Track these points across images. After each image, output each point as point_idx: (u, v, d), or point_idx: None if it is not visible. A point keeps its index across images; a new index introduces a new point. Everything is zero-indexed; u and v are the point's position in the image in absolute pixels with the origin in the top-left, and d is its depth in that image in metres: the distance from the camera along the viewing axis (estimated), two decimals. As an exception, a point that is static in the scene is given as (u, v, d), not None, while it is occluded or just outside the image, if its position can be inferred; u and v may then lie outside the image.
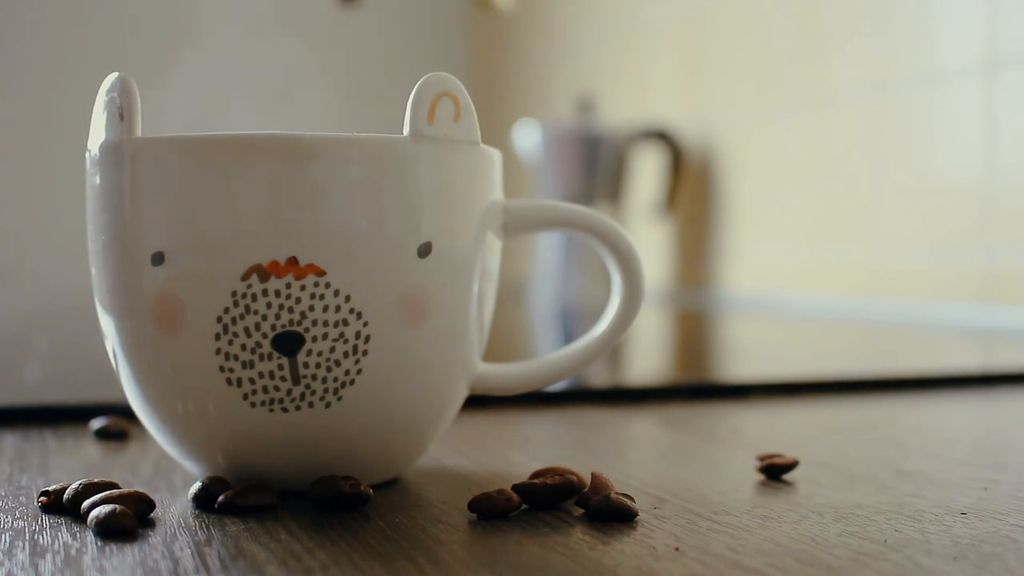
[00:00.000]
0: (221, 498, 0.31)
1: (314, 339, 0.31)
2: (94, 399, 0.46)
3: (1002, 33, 0.92)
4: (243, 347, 0.31)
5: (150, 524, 0.29)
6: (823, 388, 0.55)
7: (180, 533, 0.29)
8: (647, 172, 1.48)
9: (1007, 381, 0.59)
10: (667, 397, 0.53)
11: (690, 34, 1.40)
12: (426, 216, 0.32)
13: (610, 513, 0.30)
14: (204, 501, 0.31)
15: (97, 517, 0.28)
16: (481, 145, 0.33)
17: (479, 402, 0.46)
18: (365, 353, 0.32)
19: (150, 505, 0.30)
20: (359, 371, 0.32)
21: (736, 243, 1.25)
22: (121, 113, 0.32)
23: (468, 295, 0.34)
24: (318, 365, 0.31)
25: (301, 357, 0.31)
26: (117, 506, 0.29)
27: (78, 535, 0.28)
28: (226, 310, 0.31)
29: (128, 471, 0.36)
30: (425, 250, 0.32)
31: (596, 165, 1.39)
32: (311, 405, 0.32)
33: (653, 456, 0.41)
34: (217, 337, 0.31)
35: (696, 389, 0.55)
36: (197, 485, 0.32)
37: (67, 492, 0.31)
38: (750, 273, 1.25)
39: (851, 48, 1.11)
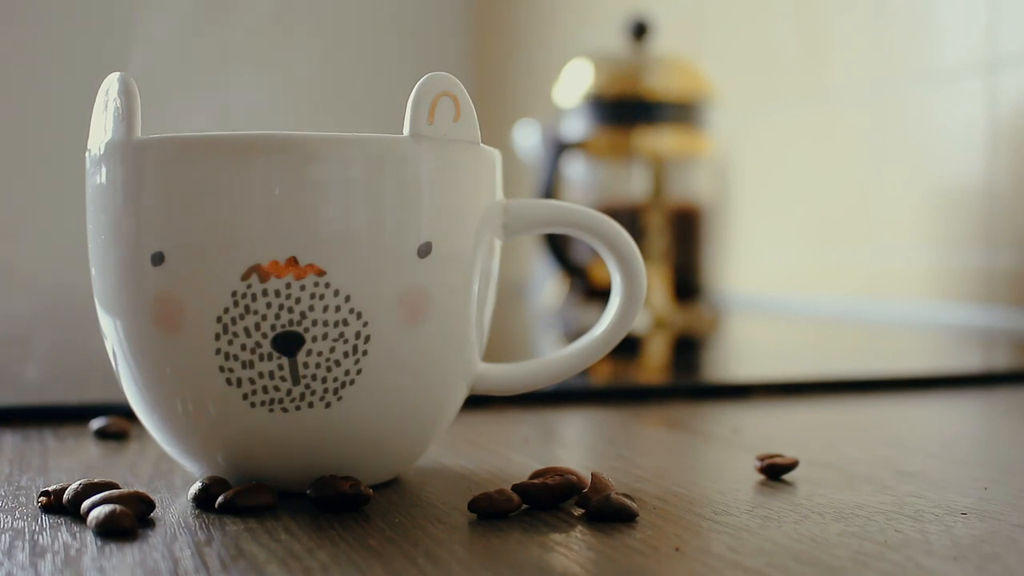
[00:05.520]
0: (221, 498, 0.31)
1: (314, 339, 0.31)
2: (94, 399, 0.46)
3: (1002, 33, 0.92)
4: (243, 347, 0.31)
5: (150, 524, 0.29)
6: (823, 388, 0.55)
7: (180, 533, 0.29)
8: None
9: (1007, 381, 0.59)
10: (667, 397, 0.53)
11: (689, 34, 1.40)
12: (426, 216, 0.32)
13: (610, 513, 0.30)
14: (204, 501, 0.31)
15: (97, 517, 0.28)
16: (481, 145, 0.33)
17: (479, 402, 0.46)
18: (365, 353, 0.32)
19: (150, 505, 0.30)
20: (359, 371, 0.32)
21: (736, 243, 1.25)
22: (121, 113, 0.32)
23: (468, 295, 0.34)
24: (318, 365, 0.31)
25: (301, 357, 0.31)
26: (117, 506, 0.29)
27: (78, 535, 0.28)
28: (226, 310, 0.31)
29: (128, 471, 0.36)
30: (425, 250, 0.32)
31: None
32: (311, 405, 0.32)
33: (654, 456, 0.41)
34: (217, 337, 0.31)
35: (696, 389, 0.55)
36: (197, 485, 0.32)
37: (67, 492, 0.30)
38: (750, 273, 1.25)
39: (851, 48, 1.11)
